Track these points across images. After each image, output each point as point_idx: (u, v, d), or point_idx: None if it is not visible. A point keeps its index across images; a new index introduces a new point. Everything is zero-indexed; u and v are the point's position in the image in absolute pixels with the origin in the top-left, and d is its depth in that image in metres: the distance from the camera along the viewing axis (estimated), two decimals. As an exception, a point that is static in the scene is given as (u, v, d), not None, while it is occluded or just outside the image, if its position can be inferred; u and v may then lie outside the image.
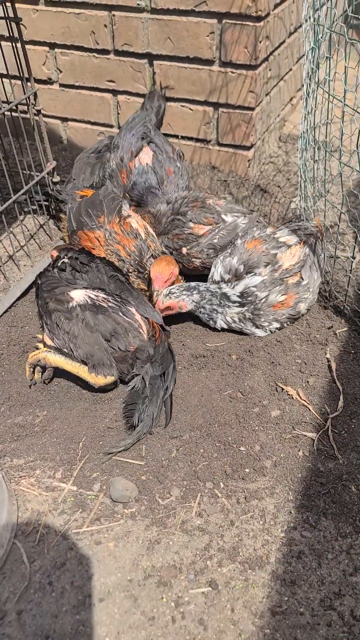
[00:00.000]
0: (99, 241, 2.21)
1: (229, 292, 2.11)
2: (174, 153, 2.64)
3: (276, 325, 2.14)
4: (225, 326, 2.16)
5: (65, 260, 2.14)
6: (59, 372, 2.03)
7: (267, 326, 2.13)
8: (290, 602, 1.42)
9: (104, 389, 1.98)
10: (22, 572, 1.48)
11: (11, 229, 2.67)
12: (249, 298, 2.09)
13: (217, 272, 2.18)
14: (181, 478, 1.71)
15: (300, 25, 3.28)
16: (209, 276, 2.21)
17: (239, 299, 2.10)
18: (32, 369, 2.00)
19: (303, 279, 2.14)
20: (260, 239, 2.18)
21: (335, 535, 1.56)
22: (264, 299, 2.08)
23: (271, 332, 2.17)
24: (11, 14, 2.24)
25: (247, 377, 2.01)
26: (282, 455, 1.77)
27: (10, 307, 2.36)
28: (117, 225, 2.22)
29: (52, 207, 2.60)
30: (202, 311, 2.14)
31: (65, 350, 1.95)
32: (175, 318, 2.23)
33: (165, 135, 3.10)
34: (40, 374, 2.02)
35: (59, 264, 2.14)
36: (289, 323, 2.18)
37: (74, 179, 2.67)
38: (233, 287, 2.11)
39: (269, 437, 1.82)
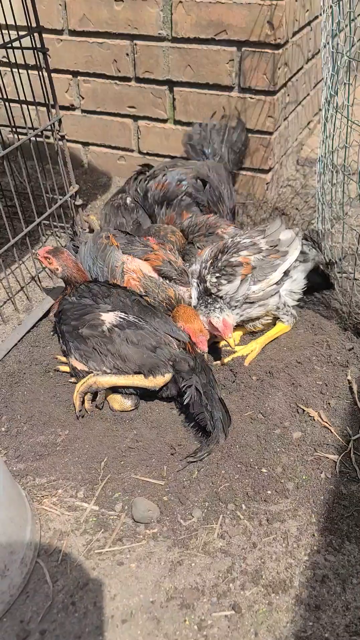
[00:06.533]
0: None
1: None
2: None
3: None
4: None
5: (83, 287, 2.18)
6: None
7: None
8: (315, 627, 1.40)
9: (123, 410, 2.00)
10: (45, 591, 1.48)
11: (34, 250, 2.72)
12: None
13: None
14: (202, 499, 1.71)
15: (318, 52, 3.34)
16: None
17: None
18: (81, 399, 1.99)
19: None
20: None
21: (360, 559, 1.54)
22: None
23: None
24: (38, 45, 2.32)
25: (268, 398, 2.02)
26: (304, 477, 1.76)
27: (32, 327, 2.40)
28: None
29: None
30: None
31: (111, 370, 1.98)
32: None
33: (186, 159, 3.17)
34: (91, 401, 2.01)
35: (78, 291, 2.17)
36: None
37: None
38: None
39: (291, 459, 1.81)
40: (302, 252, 2.28)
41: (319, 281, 2.37)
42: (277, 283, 2.19)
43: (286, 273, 2.23)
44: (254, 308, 2.20)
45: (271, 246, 2.21)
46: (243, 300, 2.16)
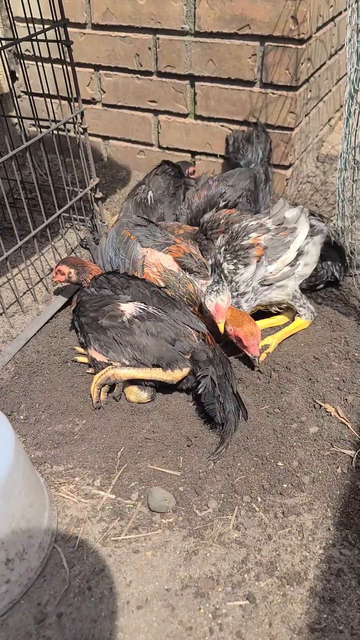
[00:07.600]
0: None
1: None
2: None
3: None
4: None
5: (102, 278, 2.19)
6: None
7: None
8: (330, 619, 1.41)
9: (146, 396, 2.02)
10: (62, 576, 1.50)
11: (54, 242, 2.75)
12: None
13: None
14: (218, 490, 1.72)
15: (341, 48, 3.32)
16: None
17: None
18: (99, 390, 2.01)
19: None
20: None
21: (375, 554, 1.54)
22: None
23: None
24: (63, 38, 2.34)
25: (285, 393, 2.02)
26: (320, 471, 1.76)
27: (51, 318, 2.42)
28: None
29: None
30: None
31: (130, 362, 1.99)
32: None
33: (205, 154, 3.17)
34: (107, 393, 2.03)
35: (97, 282, 2.18)
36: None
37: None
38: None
39: (307, 454, 1.81)
40: (310, 226, 2.28)
41: (334, 255, 2.38)
42: (291, 264, 2.19)
43: (300, 252, 2.23)
44: (272, 290, 2.19)
45: (278, 225, 2.21)
46: (261, 284, 2.15)
